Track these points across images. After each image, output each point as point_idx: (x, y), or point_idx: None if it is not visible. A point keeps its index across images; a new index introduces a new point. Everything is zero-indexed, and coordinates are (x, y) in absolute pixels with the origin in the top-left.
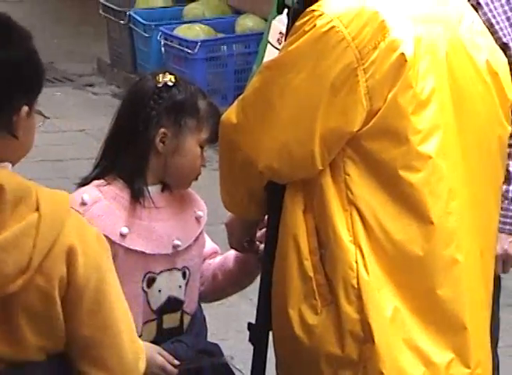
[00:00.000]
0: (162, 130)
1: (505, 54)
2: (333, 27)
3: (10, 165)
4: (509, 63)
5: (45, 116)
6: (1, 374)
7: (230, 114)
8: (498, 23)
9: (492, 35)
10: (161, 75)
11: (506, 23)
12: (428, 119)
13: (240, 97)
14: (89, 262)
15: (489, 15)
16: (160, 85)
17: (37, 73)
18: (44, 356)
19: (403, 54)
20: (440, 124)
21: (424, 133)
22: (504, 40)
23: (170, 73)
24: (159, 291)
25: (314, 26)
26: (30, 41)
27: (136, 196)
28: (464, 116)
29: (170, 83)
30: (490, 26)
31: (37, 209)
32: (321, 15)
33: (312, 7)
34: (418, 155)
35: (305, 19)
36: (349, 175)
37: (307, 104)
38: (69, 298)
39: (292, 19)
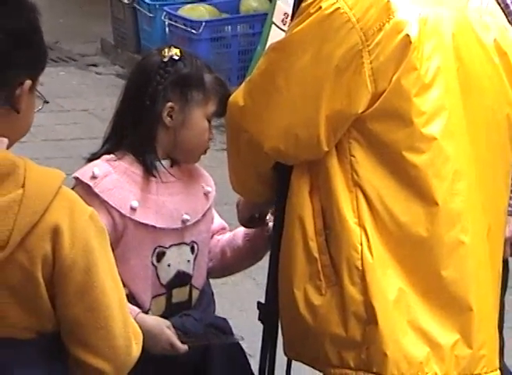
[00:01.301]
0: (169, 103)
1: None
2: (338, 9)
3: (6, 141)
4: None
5: (46, 101)
6: None
7: (237, 96)
8: None
9: (508, 16)
10: (166, 49)
11: None
12: (433, 100)
13: (247, 79)
14: (77, 242)
15: None
16: (166, 59)
17: (39, 46)
18: (32, 335)
19: (407, 35)
20: (446, 105)
21: (428, 115)
22: None
23: (175, 47)
24: (168, 265)
25: (320, 8)
26: (34, 14)
27: (150, 170)
28: (471, 96)
29: (176, 57)
30: (506, 7)
31: (23, 186)
32: None
33: None
34: (422, 136)
35: (310, 0)
36: (354, 156)
37: (312, 86)
38: (55, 278)
39: (298, 1)
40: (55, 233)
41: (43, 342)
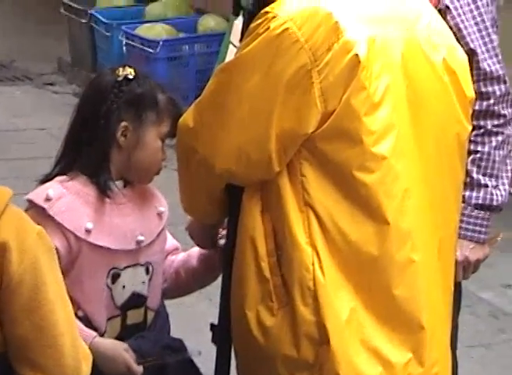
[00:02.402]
0: (123, 123)
1: (471, 59)
2: (287, 29)
3: None
4: (476, 68)
5: None
6: None
7: (187, 118)
8: (466, 27)
9: (460, 40)
10: (120, 68)
11: (475, 28)
12: (382, 119)
13: (197, 100)
14: (25, 260)
15: (458, 19)
16: (120, 78)
17: None
18: None
19: (356, 55)
20: (395, 124)
21: (378, 134)
22: (472, 45)
23: (129, 67)
24: (123, 286)
25: (268, 28)
26: None
27: (104, 191)
28: (420, 115)
29: (130, 76)
30: (458, 31)
31: None
32: (274, 17)
33: (266, 9)
34: (372, 155)
35: (259, 21)
36: (305, 176)
37: (262, 106)
38: (2, 295)
39: (246, 21)
40: (3, 250)
41: None
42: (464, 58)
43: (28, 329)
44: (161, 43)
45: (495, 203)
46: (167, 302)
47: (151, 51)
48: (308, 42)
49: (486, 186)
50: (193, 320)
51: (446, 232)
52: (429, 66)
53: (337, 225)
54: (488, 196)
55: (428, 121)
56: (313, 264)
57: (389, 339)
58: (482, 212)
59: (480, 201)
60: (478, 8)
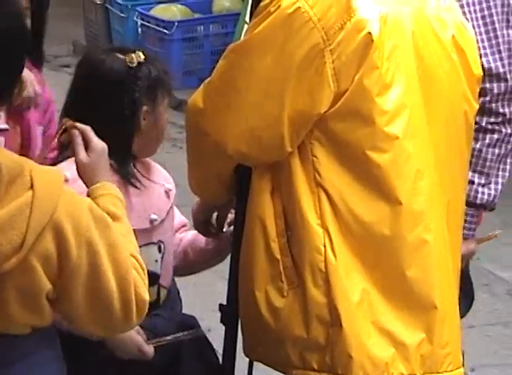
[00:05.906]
0: (144, 107)
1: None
2: (298, 8)
3: (2, 140)
4: None
5: None
6: None
7: (196, 98)
8: (472, 19)
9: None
10: (133, 55)
11: (481, 22)
12: (394, 99)
13: (206, 81)
14: (80, 240)
15: (466, 9)
16: (133, 65)
17: None
18: (28, 330)
19: (369, 33)
20: (407, 104)
21: (390, 114)
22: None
23: (138, 50)
24: None
25: (279, 7)
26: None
27: (128, 179)
28: (431, 94)
29: (143, 61)
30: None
31: (31, 187)
32: None
33: None
34: (385, 135)
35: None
36: (316, 157)
37: (273, 87)
38: (64, 275)
39: (256, 1)
40: (60, 232)
41: (38, 335)
42: (472, 35)
43: (82, 305)
44: (176, 24)
45: (478, 201)
46: (184, 282)
47: (166, 32)
48: (321, 21)
49: (472, 183)
50: (209, 300)
51: (455, 212)
52: (439, 44)
53: (349, 206)
54: (472, 193)
55: (438, 100)
56: (324, 245)
57: (402, 320)
58: (466, 207)
59: None
60: (488, 1)
